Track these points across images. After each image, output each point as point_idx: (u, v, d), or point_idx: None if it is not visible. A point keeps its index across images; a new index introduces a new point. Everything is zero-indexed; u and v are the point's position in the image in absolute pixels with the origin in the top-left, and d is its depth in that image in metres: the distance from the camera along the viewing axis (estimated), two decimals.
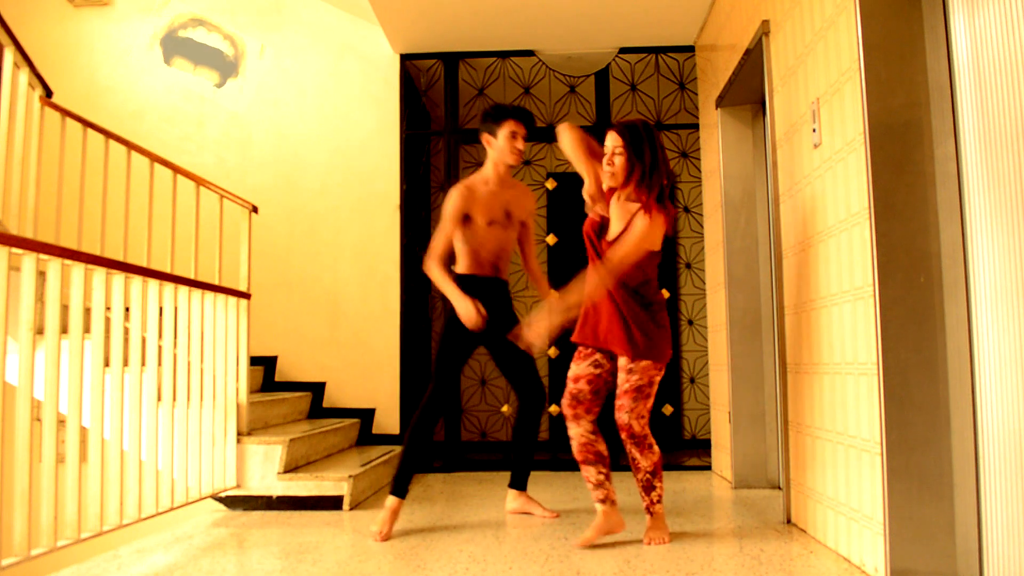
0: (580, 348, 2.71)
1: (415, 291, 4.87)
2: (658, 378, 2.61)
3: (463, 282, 3.00)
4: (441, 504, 3.44)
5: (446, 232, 2.99)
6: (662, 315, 2.63)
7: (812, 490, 2.67)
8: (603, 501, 2.65)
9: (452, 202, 2.99)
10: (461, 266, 3.09)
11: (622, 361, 2.60)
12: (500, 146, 3.01)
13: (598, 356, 2.68)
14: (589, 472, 2.66)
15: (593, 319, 2.65)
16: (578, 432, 2.66)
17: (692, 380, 5.23)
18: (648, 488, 2.63)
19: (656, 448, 2.63)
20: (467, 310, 2.88)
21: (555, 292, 3.01)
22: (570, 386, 2.69)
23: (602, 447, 2.67)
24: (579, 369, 2.68)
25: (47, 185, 3.38)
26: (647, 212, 2.52)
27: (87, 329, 3.11)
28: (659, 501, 2.65)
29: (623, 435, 2.59)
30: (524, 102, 4.90)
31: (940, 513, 1.98)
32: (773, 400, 3.63)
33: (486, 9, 4.17)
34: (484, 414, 5.05)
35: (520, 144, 3.01)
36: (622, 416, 2.57)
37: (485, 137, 3.06)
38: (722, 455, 4.00)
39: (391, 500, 2.91)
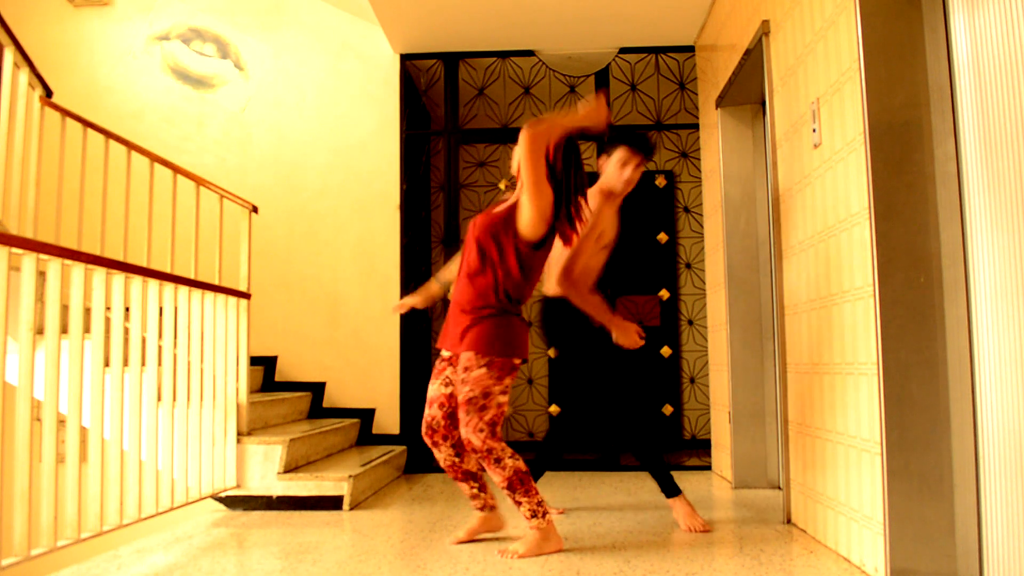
0: (436, 363, 2.63)
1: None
2: (497, 388, 2.44)
3: (556, 305, 2.85)
4: (441, 504, 3.44)
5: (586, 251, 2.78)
6: (514, 318, 2.50)
7: (812, 490, 2.67)
8: (481, 509, 2.67)
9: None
10: (550, 287, 2.96)
11: (460, 364, 2.47)
12: (610, 172, 2.94)
13: (448, 372, 2.58)
14: (463, 487, 2.65)
15: (449, 322, 2.57)
16: (441, 457, 2.59)
17: (692, 380, 5.23)
18: (516, 503, 2.48)
19: (509, 462, 2.43)
20: (629, 335, 2.78)
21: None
22: (425, 412, 2.59)
23: (470, 464, 2.61)
24: (432, 391, 2.58)
25: (47, 185, 3.38)
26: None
27: (87, 329, 3.11)
28: (534, 516, 2.47)
29: (468, 449, 2.49)
30: (524, 102, 4.90)
31: (940, 513, 1.98)
32: (773, 400, 3.63)
33: (486, 9, 4.17)
34: None
35: (630, 173, 2.90)
36: (462, 430, 2.45)
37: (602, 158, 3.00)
38: (722, 455, 4.00)
39: (675, 500, 2.86)
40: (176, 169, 3.28)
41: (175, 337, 3.02)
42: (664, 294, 4.87)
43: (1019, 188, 1.75)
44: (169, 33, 4.91)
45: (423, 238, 5.07)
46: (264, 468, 3.37)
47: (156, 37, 4.91)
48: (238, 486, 3.35)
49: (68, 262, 2.43)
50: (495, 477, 2.45)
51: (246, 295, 3.53)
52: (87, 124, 3.13)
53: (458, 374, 2.49)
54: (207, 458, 3.15)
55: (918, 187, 2.06)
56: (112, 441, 2.61)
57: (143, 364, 2.78)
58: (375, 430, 4.63)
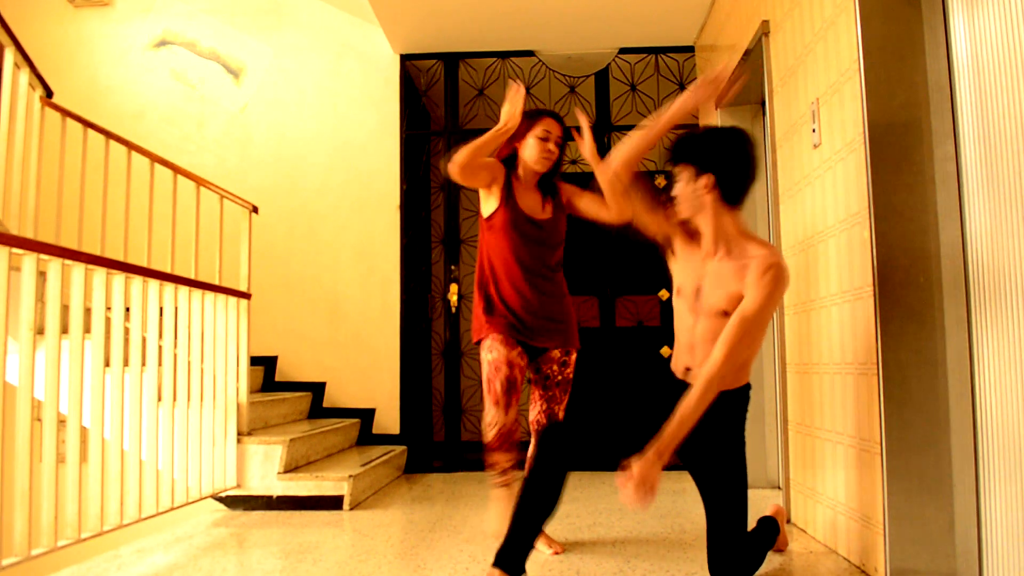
0: (501, 336, 2.49)
1: (415, 291, 4.87)
2: None
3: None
4: (441, 504, 3.44)
5: None
6: None
7: (812, 490, 2.68)
8: (507, 485, 2.54)
9: None
10: None
11: (555, 353, 2.61)
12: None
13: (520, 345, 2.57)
14: (503, 458, 2.52)
15: (527, 307, 2.52)
16: (513, 419, 2.50)
17: None
18: None
19: None
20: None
21: None
22: (504, 371, 2.46)
23: None
24: (512, 355, 2.49)
25: (47, 185, 3.38)
26: None
27: (87, 329, 3.11)
28: None
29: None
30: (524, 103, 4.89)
31: (940, 513, 1.98)
32: (773, 400, 3.62)
33: (486, 9, 4.17)
34: None
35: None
36: (556, 410, 2.61)
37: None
38: None
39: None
40: (176, 169, 3.29)
41: (175, 337, 3.02)
42: (664, 294, 4.87)
43: (1018, 188, 1.75)
44: (169, 33, 4.91)
45: (423, 238, 5.08)
46: (264, 468, 3.37)
47: (156, 38, 4.91)
48: (238, 486, 3.35)
49: (68, 262, 2.43)
50: None
51: (246, 295, 3.53)
52: (87, 124, 3.14)
53: (556, 364, 2.61)
54: (207, 458, 3.15)
55: (917, 187, 2.06)
56: (112, 441, 2.61)
57: (143, 364, 2.79)
58: (375, 430, 4.63)
